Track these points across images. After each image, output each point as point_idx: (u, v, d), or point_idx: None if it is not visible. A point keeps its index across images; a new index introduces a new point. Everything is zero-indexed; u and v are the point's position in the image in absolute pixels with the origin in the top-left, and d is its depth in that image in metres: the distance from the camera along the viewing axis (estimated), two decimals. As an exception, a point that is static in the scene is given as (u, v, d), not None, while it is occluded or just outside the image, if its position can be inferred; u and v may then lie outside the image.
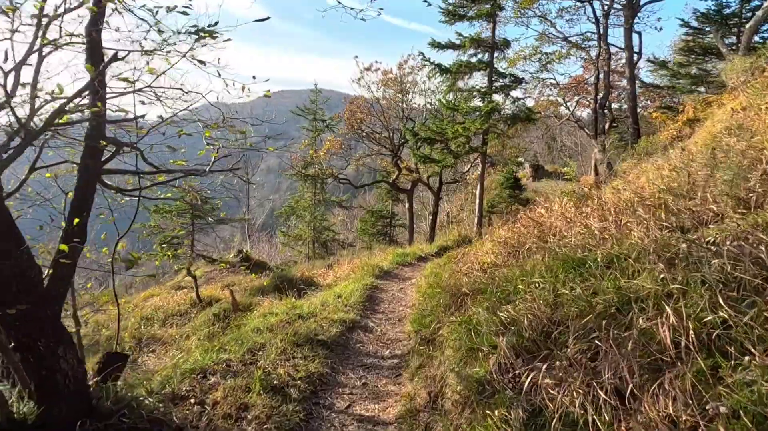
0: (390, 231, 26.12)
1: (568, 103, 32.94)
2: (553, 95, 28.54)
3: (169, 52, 3.54)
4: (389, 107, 21.72)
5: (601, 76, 15.83)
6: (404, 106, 22.01)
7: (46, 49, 3.33)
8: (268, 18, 3.76)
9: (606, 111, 18.44)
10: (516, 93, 16.06)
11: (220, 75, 3.60)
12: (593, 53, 15.93)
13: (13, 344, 3.19)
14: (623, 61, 16.94)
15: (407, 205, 23.68)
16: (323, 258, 23.83)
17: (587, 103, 32.87)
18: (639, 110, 29.73)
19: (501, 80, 15.73)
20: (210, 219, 13.61)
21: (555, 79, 18.29)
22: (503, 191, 27.25)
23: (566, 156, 48.01)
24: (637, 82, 16.22)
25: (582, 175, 37.03)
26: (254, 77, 3.71)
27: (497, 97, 15.57)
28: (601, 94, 15.60)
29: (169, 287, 19.34)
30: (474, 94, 16.04)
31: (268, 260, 29.16)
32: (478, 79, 16.61)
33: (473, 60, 15.56)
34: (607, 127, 32.25)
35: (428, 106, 22.64)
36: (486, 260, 7.42)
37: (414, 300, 8.34)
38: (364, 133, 22.11)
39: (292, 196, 24.56)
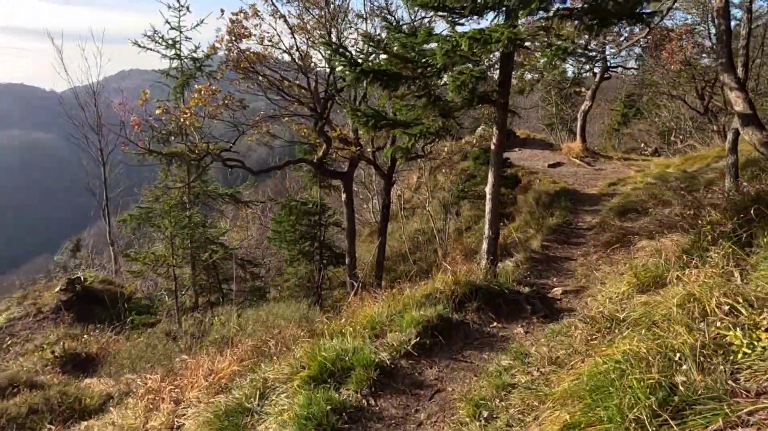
0: (320, 233, 17.13)
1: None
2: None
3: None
4: (307, 31, 12.34)
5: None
6: (333, 31, 12.85)
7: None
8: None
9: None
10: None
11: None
12: None
13: None
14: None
15: (344, 196, 14.79)
16: (211, 287, 14.59)
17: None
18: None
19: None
20: None
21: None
22: (479, 167, 18.74)
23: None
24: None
25: (562, 142, 30.16)
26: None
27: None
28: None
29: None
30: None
31: (134, 281, 19.18)
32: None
33: None
34: (597, 80, 24.88)
35: (377, 31, 13.53)
36: None
37: None
38: (264, 80, 12.76)
39: (147, 187, 14.63)
